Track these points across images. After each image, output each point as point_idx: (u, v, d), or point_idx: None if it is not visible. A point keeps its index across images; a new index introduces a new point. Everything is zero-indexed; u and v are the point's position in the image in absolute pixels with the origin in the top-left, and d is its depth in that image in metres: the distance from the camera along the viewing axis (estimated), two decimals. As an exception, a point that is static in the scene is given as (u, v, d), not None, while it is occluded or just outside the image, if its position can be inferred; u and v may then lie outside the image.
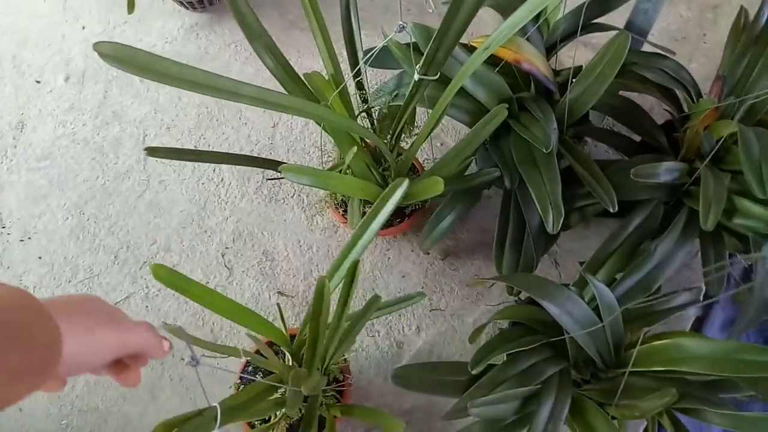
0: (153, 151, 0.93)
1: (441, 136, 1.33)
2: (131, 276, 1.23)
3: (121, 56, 0.58)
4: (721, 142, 0.90)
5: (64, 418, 1.12)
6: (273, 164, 0.99)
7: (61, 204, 1.31)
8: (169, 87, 1.43)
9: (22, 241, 1.28)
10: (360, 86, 1.04)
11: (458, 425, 1.01)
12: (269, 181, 1.30)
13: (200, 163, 1.33)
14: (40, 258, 1.26)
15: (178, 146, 1.36)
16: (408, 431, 1.05)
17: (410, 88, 0.90)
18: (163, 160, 1.34)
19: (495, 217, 1.01)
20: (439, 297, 1.16)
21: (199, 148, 1.35)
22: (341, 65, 0.96)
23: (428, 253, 1.20)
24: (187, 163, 1.33)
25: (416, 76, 0.88)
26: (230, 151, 1.34)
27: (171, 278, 0.62)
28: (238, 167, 1.32)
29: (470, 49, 1.00)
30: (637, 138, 1.08)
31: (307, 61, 1.46)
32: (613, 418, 0.79)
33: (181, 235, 1.26)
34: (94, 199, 1.31)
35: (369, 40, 1.04)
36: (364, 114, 1.06)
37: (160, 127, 1.39)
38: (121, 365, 0.48)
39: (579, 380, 0.86)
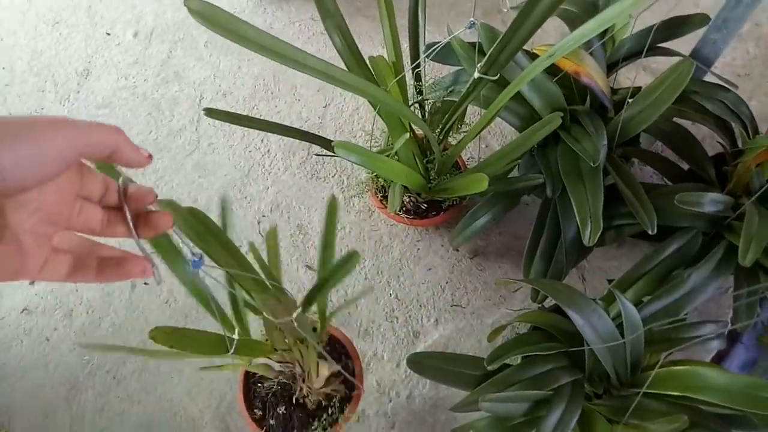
0: (210, 112, 0.96)
1: (487, 138, 1.34)
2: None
3: (206, 13, 0.62)
4: (771, 182, 0.89)
5: (86, 354, 1.17)
6: (322, 141, 1.02)
7: (114, 152, 1.37)
8: (230, 55, 1.48)
9: (73, 181, 1.34)
10: (418, 78, 1.06)
11: (462, 420, 1.03)
12: (313, 158, 1.33)
13: (249, 132, 1.37)
14: (87, 199, 1.32)
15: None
16: (412, 421, 1.07)
17: (468, 86, 0.92)
18: (215, 123, 1.38)
19: (529, 225, 1.02)
20: (461, 294, 1.18)
21: (251, 117, 1.39)
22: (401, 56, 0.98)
23: (458, 250, 1.22)
24: (237, 129, 1.37)
25: (476, 74, 0.89)
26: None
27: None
28: (285, 141, 1.36)
29: (532, 56, 1.01)
30: (685, 166, 1.07)
31: (367, 47, 1.48)
32: (620, 435, 0.80)
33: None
34: (146, 152, 1.36)
35: (430, 35, 1.07)
36: (416, 105, 1.08)
37: (217, 93, 1.44)
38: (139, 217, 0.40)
39: (591, 393, 0.86)
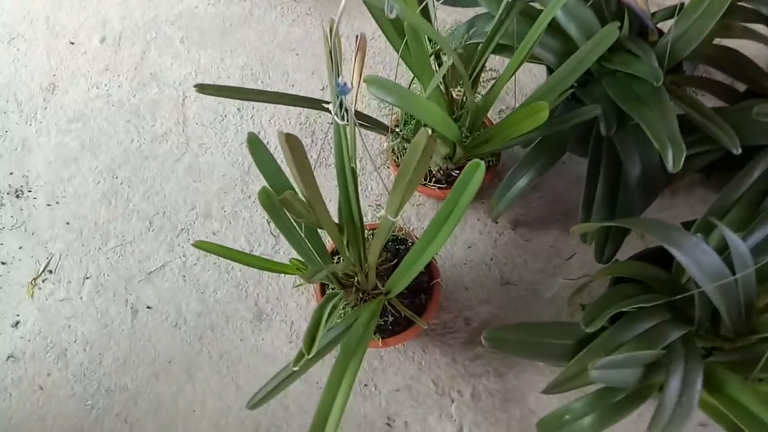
0: (202, 88, 0.83)
1: (506, 99, 1.21)
2: (167, 244, 1.12)
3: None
4: None
5: (89, 398, 1.00)
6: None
7: (92, 167, 1.21)
8: (210, 48, 1.35)
9: (49, 205, 1.18)
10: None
11: (546, 408, 0.88)
12: (319, 145, 1.19)
13: (242, 126, 1.23)
14: (68, 224, 1.16)
15: (219, 108, 1.26)
16: (482, 421, 0.92)
17: (499, 13, 0.79)
18: (204, 122, 1.24)
19: (570, 185, 0.91)
20: (510, 269, 1.03)
21: (243, 111, 1.25)
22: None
23: (496, 222, 1.08)
24: (229, 125, 1.23)
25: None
26: (276, 116, 1.24)
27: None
28: (284, 130, 1.22)
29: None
30: (741, 87, 0.96)
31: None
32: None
33: (222, 201, 1.15)
34: (129, 163, 1.21)
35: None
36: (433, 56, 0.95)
37: (200, 90, 1.29)
38: None
39: (702, 349, 0.72)
